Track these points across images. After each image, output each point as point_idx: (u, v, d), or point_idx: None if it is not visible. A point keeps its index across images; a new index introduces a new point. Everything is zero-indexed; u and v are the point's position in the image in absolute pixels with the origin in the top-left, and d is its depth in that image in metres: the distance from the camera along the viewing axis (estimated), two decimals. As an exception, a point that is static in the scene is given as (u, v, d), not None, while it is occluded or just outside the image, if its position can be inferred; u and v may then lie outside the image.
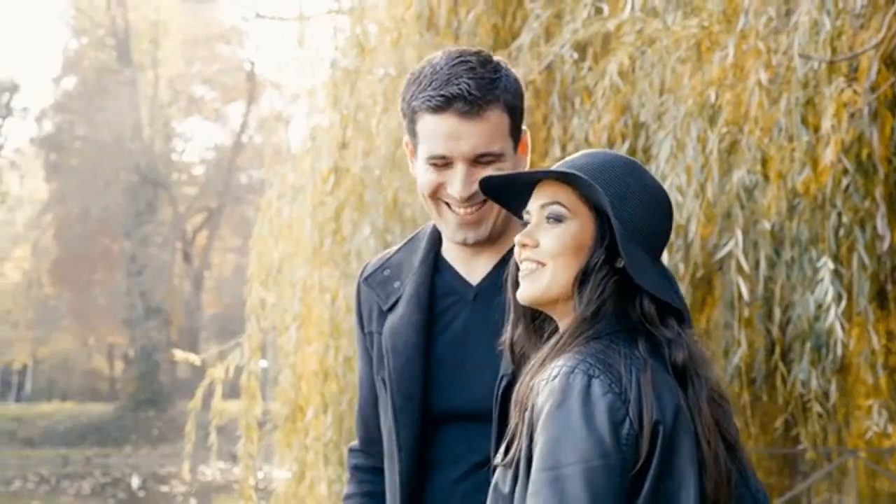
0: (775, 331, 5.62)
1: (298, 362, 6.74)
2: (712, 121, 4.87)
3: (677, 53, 5.06)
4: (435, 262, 2.22)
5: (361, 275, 2.32)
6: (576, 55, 5.84)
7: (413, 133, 2.13)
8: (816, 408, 5.54)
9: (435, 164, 2.09)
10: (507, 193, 1.97)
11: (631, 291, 1.82)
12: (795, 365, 5.46)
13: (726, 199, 4.98)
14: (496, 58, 2.13)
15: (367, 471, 2.35)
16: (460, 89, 2.03)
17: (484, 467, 1.95)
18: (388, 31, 6.80)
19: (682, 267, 5.29)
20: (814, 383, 5.35)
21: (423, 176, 2.12)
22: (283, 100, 37.49)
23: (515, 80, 2.12)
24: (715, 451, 1.77)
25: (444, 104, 2.04)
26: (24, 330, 40.23)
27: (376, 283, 2.26)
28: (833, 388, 5.60)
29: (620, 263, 1.82)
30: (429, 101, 2.05)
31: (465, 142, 2.05)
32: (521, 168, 2.15)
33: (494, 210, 2.10)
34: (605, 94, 5.32)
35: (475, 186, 2.04)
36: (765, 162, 4.90)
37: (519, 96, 2.12)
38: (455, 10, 6.52)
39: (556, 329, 1.92)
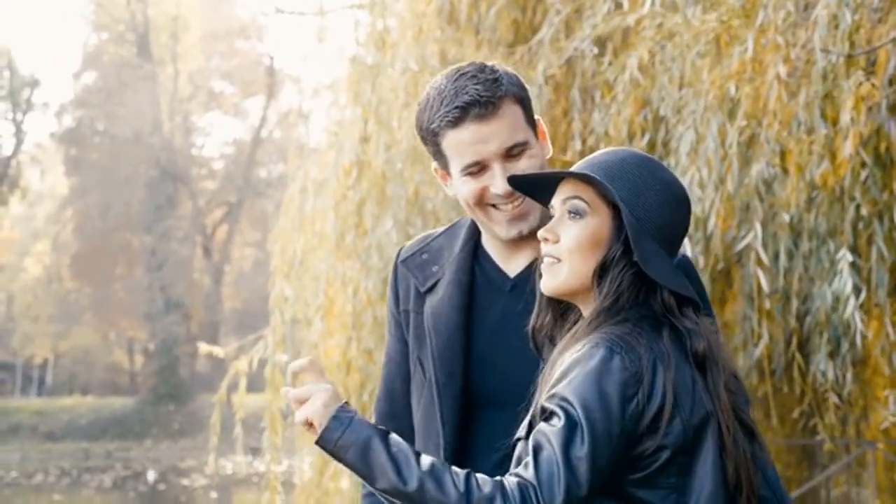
0: (793, 323, 5.64)
1: (321, 355, 6.80)
2: (731, 114, 4.91)
3: (697, 48, 5.09)
4: (474, 252, 2.32)
5: (398, 256, 2.42)
6: (596, 50, 5.88)
7: (440, 155, 2.22)
8: (833, 399, 5.57)
9: (471, 173, 2.18)
10: (533, 189, 2.06)
11: (650, 283, 1.91)
12: (814, 357, 5.49)
13: (745, 191, 5.01)
14: (489, 63, 2.22)
15: None
16: (471, 96, 2.13)
17: None
18: (408, 26, 6.86)
19: (701, 259, 5.33)
20: (831, 375, 5.37)
21: (464, 188, 2.20)
22: (303, 95, 37.63)
23: (514, 75, 2.22)
24: (734, 436, 1.87)
25: (461, 114, 2.13)
26: (45, 324, 40.48)
27: (414, 265, 2.37)
28: (850, 379, 5.62)
29: (636, 256, 1.91)
30: (446, 116, 2.15)
31: (493, 141, 2.14)
32: (546, 153, 2.25)
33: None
34: (625, 89, 5.36)
35: None
36: (783, 155, 4.93)
37: (523, 88, 2.22)
38: (476, 5, 6.56)
39: (580, 317, 2.01)
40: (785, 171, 4.96)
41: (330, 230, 6.77)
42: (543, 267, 1.98)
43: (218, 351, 8.38)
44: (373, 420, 2.44)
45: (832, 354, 5.33)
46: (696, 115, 4.93)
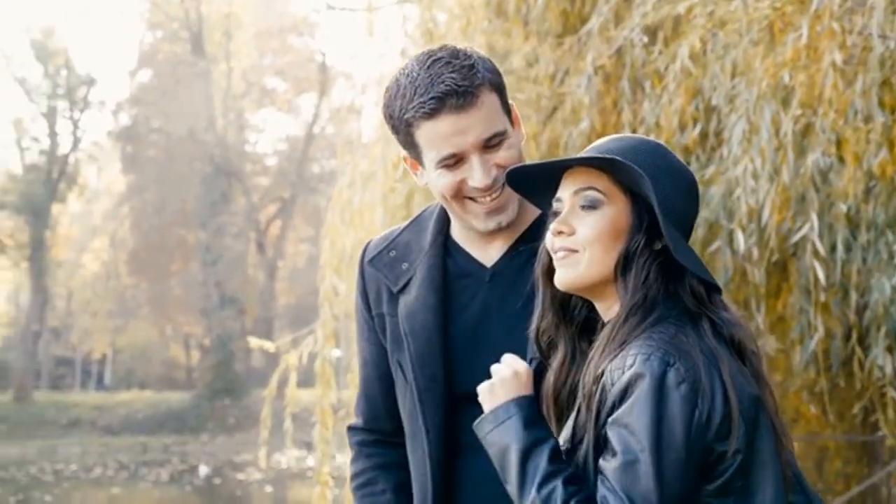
0: (852, 316, 5.53)
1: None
2: (785, 103, 4.80)
3: (749, 35, 4.99)
4: (445, 245, 2.24)
5: (363, 256, 2.33)
6: (646, 39, 5.79)
7: (412, 145, 2.13)
8: (892, 394, 5.44)
9: (447, 166, 2.09)
10: (529, 183, 1.97)
11: (674, 273, 1.83)
12: (873, 350, 5.37)
13: (801, 182, 4.90)
14: (461, 46, 2.13)
15: (372, 444, 2.37)
16: (447, 86, 2.03)
17: None
18: (456, 19, 6.80)
19: (756, 251, 5.23)
20: (889, 369, 5.24)
21: (440, 180, 2.11)
22: (354, 90, 37.67)
23: (488, 59, 2.13)
24: (779, 416, 1.81)
25: (438, 105, 2.04)
26: (104, 320, 41.10)
27: (382, 264, 2.28)
28: (910, 373, 5.49)
29: (658, 246, 1.83)
30: (422, 107, 2.05)
31: (471, 133, 2.05)
32: (521, 139, 2.17)
33: (513, 192, 2.11)
34: (675, 78, 5.27)
35: (495, 171, 2.07)
36: (840, 144, 4.82)
37: (498, 74, 2.13)
38: (524, -4, 6.50)
39: (587, 316, 1.94)
40: (841, 160, 4.85)
41: (378, 223, 6.74)
42: (557, 261, 1.88)
43: (269, 345, 8.40)
44: (359, 420, 2.41)
45: (891, 348, 5.20)
46: (749, 105, 4.82)
